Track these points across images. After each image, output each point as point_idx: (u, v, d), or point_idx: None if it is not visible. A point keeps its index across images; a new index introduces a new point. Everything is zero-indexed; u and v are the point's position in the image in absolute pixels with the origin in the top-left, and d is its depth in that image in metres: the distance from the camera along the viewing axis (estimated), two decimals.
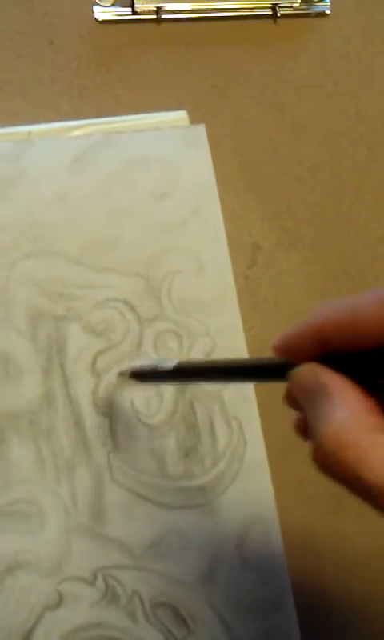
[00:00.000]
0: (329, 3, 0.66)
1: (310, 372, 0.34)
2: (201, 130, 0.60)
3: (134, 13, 0.63)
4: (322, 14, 0.66)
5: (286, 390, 0.37)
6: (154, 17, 0.63)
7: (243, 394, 0.56)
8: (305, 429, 0.36)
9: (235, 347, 0.57)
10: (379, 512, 0.30)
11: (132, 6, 0.63)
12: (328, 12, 0.66)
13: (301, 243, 0.61)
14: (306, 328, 0.34)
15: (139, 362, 0.52)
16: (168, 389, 0.55)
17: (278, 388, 0.38)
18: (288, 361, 0.35)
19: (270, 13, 0.65)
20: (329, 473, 0.31)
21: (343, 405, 0.31)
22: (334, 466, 0.31)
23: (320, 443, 0.31)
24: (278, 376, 0.36)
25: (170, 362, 0.47)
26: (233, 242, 0.59)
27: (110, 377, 0.55)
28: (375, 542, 0.56)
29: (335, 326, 0.32)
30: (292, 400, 0.36)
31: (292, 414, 0.38)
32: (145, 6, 0.63)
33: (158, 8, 0.63)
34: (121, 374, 0.53)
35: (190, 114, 0.61)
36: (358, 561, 0.57)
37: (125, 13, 0.63)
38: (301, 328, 0.34)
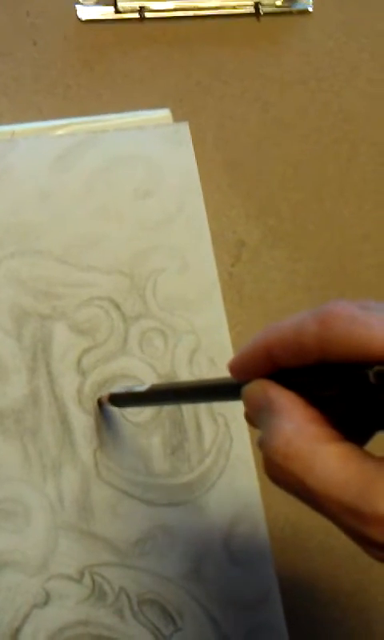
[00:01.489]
0: (311, 1, 0.66)
1: (259, 388, 0.35)
2: (184, 127, 0.60)
3: (117, 12, 0.63)
4: (304, 12, 0.67)
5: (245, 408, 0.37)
6: (138, 16, 0.63)
7: None
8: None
9: (220, 344, 0.57)
10: (328, 519, 0.31)
11: (115, 5, 0.63)
12: (310, 9, 0.67)
13: (284, 240, 0.61)
14: (255, 347, 0.35)
15: (117, 389, 0.54)
16: None
17: None
18: (242, 381, 0.37)
19: (253, 11, 0.65)
20: (279, 484, 0.33)
21: (288, 418, 0.33)
22: (283, 477, 0.32)
23: (268, 456, 0.32)
24: (237, 395, 0.37)
25: (143, 386, 0.50)
26: (217, 238, 0.59)
27: (96, 375, 0.55)
28: None
29: (281, 345, 0.34)
30: (249, 418, 0.37)
31: None
32: (128, 4, 0.63)
33: (141, 7, 0.63)
34: (100, 400, 0.54)
35: (173, 112, 0.61)
36: (343, 555, 0.57)
37: (108, 12, 0.63)
38: (250, 348, 0.35)
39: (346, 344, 0.31)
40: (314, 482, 0.31)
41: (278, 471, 0.32)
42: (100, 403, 0.54)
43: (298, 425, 0.32)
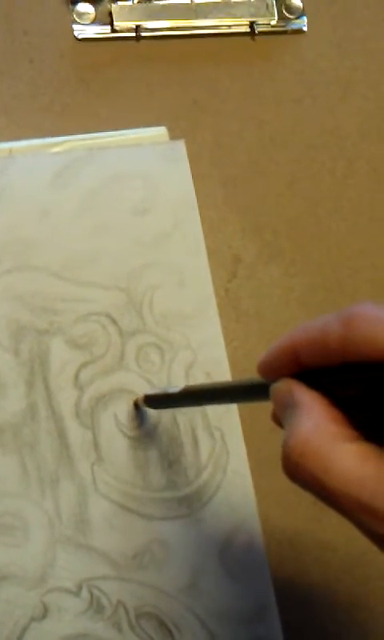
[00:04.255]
0: (305, 20, 0.67)
1: (285, 387, 0.36)
2: (180, 145, 0.61)
3: (114, 31, 0.64)
4: (298, 31, 0.67)
5: (272, 409, 0.38)
6: (134, 35, 0.64)
7: (226, 405, 0.57)
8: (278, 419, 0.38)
9: (216, 360, 0.57)
10: (345, 517, 0.31)
11: (111, 24, 0.64)
12: (305, 29, 0.67)
13: (280, 256, 0.62)
14: (282, 347, 0.36)
15: (151, 391, 0.55)
16: None
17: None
18: (271, 380, 0.37)
19: (248, 30, 0.66)
20: (296, 481, 0.33)
21: (309, 416, 0.33)
22: (300, 475, 0.33)
23: (287, 453, 0.33)
24: (266, 395, 0.38)
25: (177, 388, 0.51)
26: (213, 255, 0.59)
27: (93, 390, 0.55)
28: (357, 549, 0.57)
29: (306, 345, 0.34)
30: (276, 418, 0.38)
31: (273, 424, 0.40)
32: (124, 23, 0.64)
33: (137, 26, 0.64)
34: (136, 402, 0.55)
35: (169, 129, 0.62)
36: (341, 568, 0.57)
37: (105, 31, 0.64)
38: (277, 347, 0.36)
39: (369, 345, 0.32)
40: (331, 479, 0.31)
41: (294, 469, 0.33)
42: (136, 405, 0.55)
43: (317, 423, 0.33)
